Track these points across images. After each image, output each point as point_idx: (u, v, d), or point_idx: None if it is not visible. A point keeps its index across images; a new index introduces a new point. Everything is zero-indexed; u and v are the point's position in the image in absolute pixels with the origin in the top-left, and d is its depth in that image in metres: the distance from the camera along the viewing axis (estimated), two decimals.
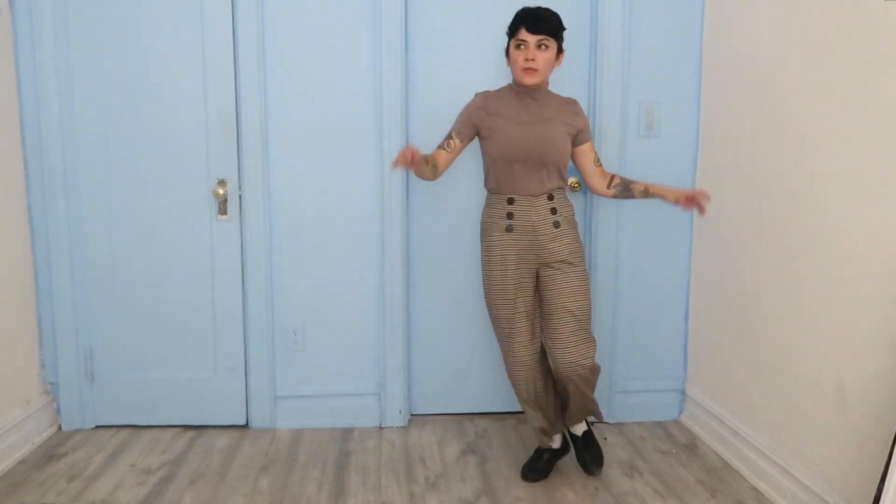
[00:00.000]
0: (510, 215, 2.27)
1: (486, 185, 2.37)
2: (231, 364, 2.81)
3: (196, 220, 2.74)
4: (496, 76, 2.78)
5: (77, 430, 2.78)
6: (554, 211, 2.27)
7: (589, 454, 2.42)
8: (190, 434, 2.77)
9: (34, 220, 2.68)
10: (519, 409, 2.97)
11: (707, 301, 2.75)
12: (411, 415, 2.94)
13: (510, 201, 2.27)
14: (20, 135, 2.63)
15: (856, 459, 1.90)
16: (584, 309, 2.27)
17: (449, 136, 2.33)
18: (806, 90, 2.11)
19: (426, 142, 2.79)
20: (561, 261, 2.26)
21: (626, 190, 2.40)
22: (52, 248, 2.67)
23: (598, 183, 2.41)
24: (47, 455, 2.56)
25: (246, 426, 2.85)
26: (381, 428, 2.86)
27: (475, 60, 2.78)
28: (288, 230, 2.77)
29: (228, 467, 2.49)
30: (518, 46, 2.21)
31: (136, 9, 2.63)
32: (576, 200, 2.87)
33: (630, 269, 2.86)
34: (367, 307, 2.83)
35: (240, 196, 2.72)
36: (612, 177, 2.41)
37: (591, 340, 2.29)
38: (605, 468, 2.48)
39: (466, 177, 2.82)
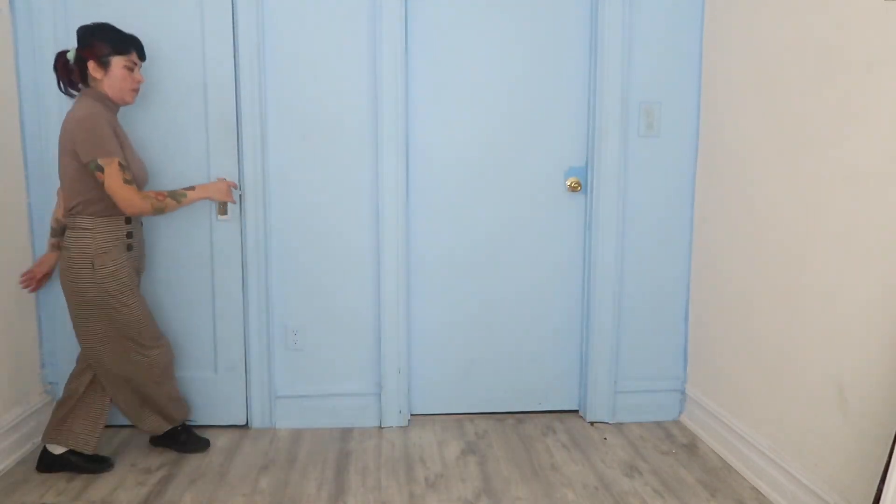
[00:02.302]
0: (129, 235, 2.39)
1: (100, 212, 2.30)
2: (231, 364, 2.81)
3: (196, 219, 2.74)
4: (497, 76, 2.79)
5: None
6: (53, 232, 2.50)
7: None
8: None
9: (34, 220, 2.68)
10: (519, 409, 2.98)
11: (707, 301, 2.75)
12: (411, 415, 2.94)
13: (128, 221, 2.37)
14: (20, 134, 2.63)
15: (856, 459, 1.90)
16: None
17: (123, 168, 2.25)
18: (806, 90, 2.11)
19: (426, 141, 2.79)
20: None
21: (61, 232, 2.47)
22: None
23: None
24: None
25: (246, 426, 2.85)
26: (380, 428, 2.86)
27: (475, 60, 2.78)
28: (287, 229, 2.77)
29: (228, 467, 2.49)
30: (129, 68, 2.32)
31: (135, 8, 2.63)
32: (576, 200, 2.87)
33: (630, 269, 2.86)
34: (366, 307, 2.83)
35: (240, 196, 2.72)
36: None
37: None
38: (605, 468, 2.48)
39: (467, 178, 2.82)
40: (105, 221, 2.28)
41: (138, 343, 2.38)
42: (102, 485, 2.35)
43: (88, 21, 2.61)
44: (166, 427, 2.56)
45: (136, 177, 2.33)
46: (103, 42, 2.29)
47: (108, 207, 2.27)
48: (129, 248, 2.35)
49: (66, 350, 2.73)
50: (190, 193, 2.43)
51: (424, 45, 2.76)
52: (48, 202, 2.65)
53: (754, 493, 2.31)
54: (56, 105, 2.61)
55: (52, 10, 2.58)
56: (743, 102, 2.47)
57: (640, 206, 2.82)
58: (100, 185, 2.23)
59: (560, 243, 2.89)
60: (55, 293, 2.70)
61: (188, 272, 2.76)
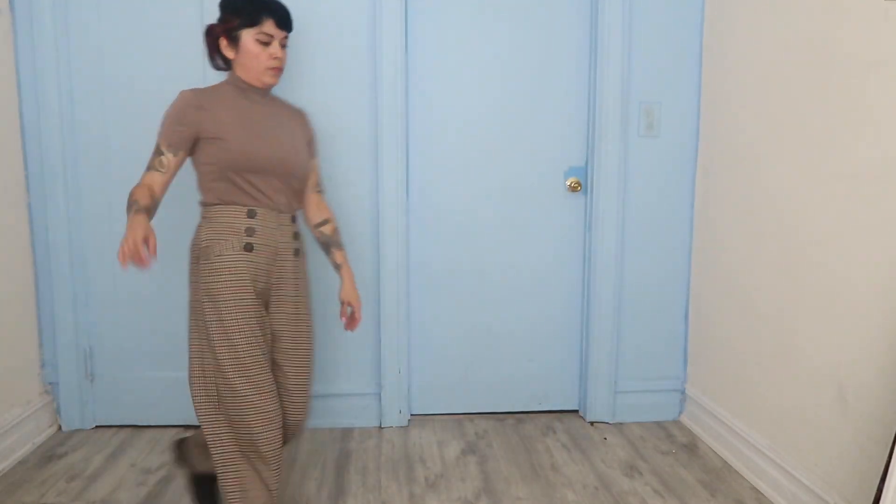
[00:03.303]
0: (250, 231, 1.84)
1: (206, 199, 1.90)
2: None
3: (196, 219, 2.73)
4: (497, 76, 2.79)
5: (77, 430, 2.78)
6: (295, 236, 1.92)
7: None
8: (190, 434, 2.76)
9: (34, 220, 2.68)
10: (519, 409, 2.98)
11: (707, 301, 2.75)
12: (411, 415, 2.94)
13: (251, 214, 1.84)
14: (20, 135, 2.63)
15: (856, 459, 1.90)
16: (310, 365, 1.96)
17: (158, 153, 1.86)
18: (806, 90, 2.11)
19: (426, 139, 2.79)
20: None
21: (325, 246, 2.09)
22: (52, 248, 2.67)
23: (311, 212, 2.06)
24: (47, 455, 2.56)
25: None
26: (380, 428, 2.86)
27: (475, 60, 2.78)
28: None
29: None
30: (261, 41, 1.84)
31: (136, 8, 2.63)
32: (576, 200, 2.87)
33: (630, 269, 2.86)
34: (366, 307, 2.83)
35: None
36: (327, 219, 2.06)
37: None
38: (605, 468, 2.48)
39: (468, 178, 2.82)
40: (214, 210, 1.88)
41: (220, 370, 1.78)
42: (102, 485, 2.35)
43: (88, 21, 2.62)
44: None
45: (224, 160, 1.82)
46: (231, 12, 1.84)
47: (218, 195, 1.87)
48: (248, 248, 1.82)
49: (67, 350, 2.73)
50: (130, 217, 1.72)
51: (424, 45, 2.76)
52: (48, 202, 2.65)
53: (754, 493, 2.31)
54: (56, 105, 2.61)
55: (51, 10, 2.57)
56: (743, 102, 2.47)
57: (640, 206, 2.82)
58: (199, 173, 1.90)
59: (560, 243, 2.89)
60: (55, 293, 2.70)
61: (187, 272, 2.75)
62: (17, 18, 2.59)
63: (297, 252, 1.92)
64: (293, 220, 1.93)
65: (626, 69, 2.73)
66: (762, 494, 2.30)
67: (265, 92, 1.93)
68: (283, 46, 1.88)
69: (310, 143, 2.03)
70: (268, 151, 1.84)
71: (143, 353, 2.79)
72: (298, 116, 2.03)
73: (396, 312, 2.80)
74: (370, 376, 2.87)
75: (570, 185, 2.84)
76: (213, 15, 2.62)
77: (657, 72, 2.77)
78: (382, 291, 2.79)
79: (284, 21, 1.87)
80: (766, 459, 2.31)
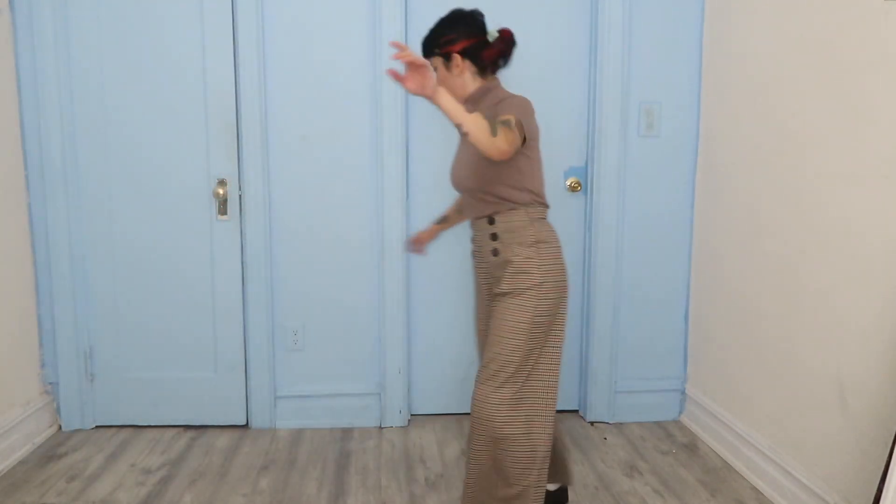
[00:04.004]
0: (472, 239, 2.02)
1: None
2: (231, 364, 2.81)
3: (196, 220, 2.74)
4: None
5: (77, 430, 2.78)
6: (494, 237, 1.94)
7: None
8: (190, 434, 2.77)
9: (34, 219, 2.68)
10: None
11: (707, 301, 2.75)
12: (411, 415, 2.94)
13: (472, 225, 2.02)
14: (20, 135, 2.63)
15: (856, 459, 1.90)
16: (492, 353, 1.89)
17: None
18: (806, 90, 2.11)
19: (426, 141, 2.79)
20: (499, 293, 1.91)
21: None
22: (52, 248, 2.67)
23: None
24: (47, 455, 2.56)
25: (246, 426, 2.85)
26: (381, 428, 2.86)
27: None
28: (288, 230, 2.77)
29: (228, 467, 2.49)
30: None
31: (135, 9, 2.63)
32: (576, 200, 2.87)
33: (630, 269, 2.86)
34: (367, 307, 2.83)
35: (240, 196, 2.72)
36: None
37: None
38: (605, 468, 2.48)
39: None
40: None
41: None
42: (102, 485, 2.35)
43: (88, 21, 2.62)
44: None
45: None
46: None
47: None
48: (472, 255, 2.03)
49: (67, 350, 2.73)
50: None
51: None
52: (48, 202, 2.65)
53: (754, 493, 2.31)
54: (56, 105, 2.61)
55: (51, 10, 2.57)
56: (743, 102, 2.47)
57: (639, 206, 2.82)
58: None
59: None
60: (55, 293, 2.70)
61: (188, 272, 2.76)
62: (17, 18, 2.59)
63: (495, 252, 1.93)
64: (490, 222, 1.94)
65: (626, 69, 2.73)
66: (762, 494, 2.30)
67: (474, 107, 1.93)
68: (434, 70, 1.95)
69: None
70: (453, 169, 2.03)
71: (143, 353, 2.79)
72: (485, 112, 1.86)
73: (397, 312, 2.80)
74: (370, 376, 2.87)
75: (570, 185, 2.84)
76: (213, 11, 2.63)
77: (657, 72, 2.77)
78: (383, 292, 2.79)
79: (423, 49, 1.99)
80: (766, 459, 2.31)
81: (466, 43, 1.93)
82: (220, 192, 2.70)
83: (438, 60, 1.95)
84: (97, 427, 2.81)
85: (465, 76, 1.95)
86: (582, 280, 2.92)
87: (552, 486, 2.17)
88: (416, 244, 2.38)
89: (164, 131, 2.69)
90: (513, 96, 1.91)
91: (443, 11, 2.74)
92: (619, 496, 2.29)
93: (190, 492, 2.31)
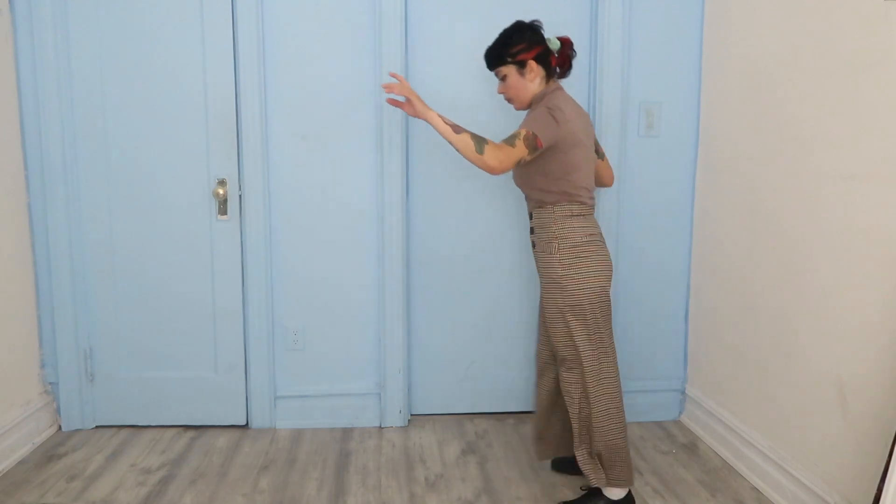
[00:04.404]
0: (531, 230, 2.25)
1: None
2: (231, 364, 2.81)
3: (196, 220, 2.74)
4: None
5: (77, 430, 2.78)
6: (532, 230, 2.21)
7: None
8: (190, 434, 2.77)
9: (34, 219, 2.68)
10: (519, 409, 2.98)
11: (707, 301, 2.75)
12: (411, 415, 2.94)
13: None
14: (20, 134, 2.63)
15: (856, 459, 1.90)
16: (554, 337, 2.16)
17: None
18: (806, 90, 2.11)
19: (427, 141, 2.79)
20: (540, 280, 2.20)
21: None
22: (52, 248, 2.68)
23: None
24: (47, 455, 2.57)
25: (246, 426, 2.85)
26: (381, 428, 2.86)
27: (474, 59, 2.77)
28: (288, 230, 2.77)
29: (228, 467, 2.49)
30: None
31: (135, 9, 2.63)
32: None
33: (630, 269, 2.86)
34: (367, 307, 2.83)
35: (240, 196, 2.72)
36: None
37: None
38: None
39: (468, 177, 2.82)
40: None
41: None
42: (102, 485, 2.35)
43: (88, 20, 2.63)
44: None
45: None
46: None
47: None
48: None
49: (67, 350, 2.73)
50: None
51: (424, 43, 2.76)
52: (48, 202, 2.65)
53: (754, 493, 2.31)
54: (56, 105, 2.61)
55: (51, 10, 2.57)
56: (743, 102, 2.47)
57: (640, 206, 2.82)
58: None
59: None
60: (55, 293, 2.70)
61: (188, 272, 2.76)
62: (17, 18, 2.59)
63: (533, 244, 2.21)
64: (530, 216, 2.22)
65: (626, 69, 2.73)
66: (762, 494, 2.30)
67: (532, 109, 2.15)
68: (502, 79, 2.20)
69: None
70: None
71: (143, 353, 2.79)
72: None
73: (397, 312, 2.80)
74: (370, 376, 2.87)
75: None
76: (213, 12, 2.63)
77: (657, 72, 2.77)
78: (382, 292, 2.79)
79: (486, 62, 2.22)
80: (767, 459, 2.31)
81: (538, 50, 2.14)
82: (220, 192, 2.70)
83: (511, 69, 2.16)
84: (97, 427, 2.81)
85: (536, 81, 2.17)
86: None
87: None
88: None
89: (164, 131, 2.69)
90: (541, 111, 2.07)
91: (442, 11, 2.75)
92: None
93: (190, 492, 2.31)
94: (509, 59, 2.15)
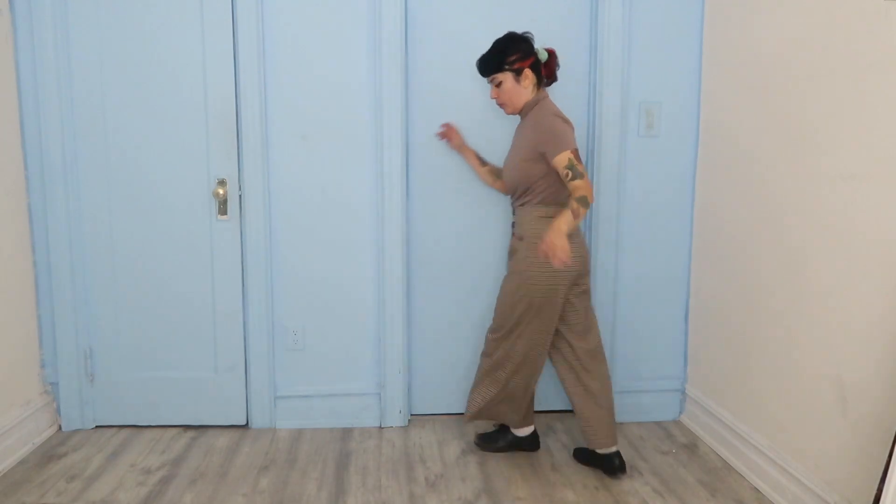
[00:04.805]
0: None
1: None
2: (231, 364, 2.81)
3: (196, 220, 2.74)
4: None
5: (77, 430, 2.78)
6: (514, 225, 2.43)
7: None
8: (190, 434, 2.77)
9: (34, 219, 2.68)
10: None
11: (707, 301, 2.75)
12: (411, 415, 2.94)
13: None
14: (20, 135, 2.63)
15: (856, 459, 1.90)
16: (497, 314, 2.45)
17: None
18: (806, 89, 2.11)
19: (427, 141, 2.79)
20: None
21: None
22: (52, 248, 2.68)
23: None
24: (47, 455, 2.57)
25: (246, 426, 2.85)
26: (381, 428, 2.86)
27: (474, 59, 2.77)
28: (288, 230, 2.77)
29: (228, 467, 2.49)
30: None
31: (135, 9, 2.63)
32: None
33: (630, 269, 2.86)
34: (367, 307, 2.83)
35: (240, 196, 2.72)
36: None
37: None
38: None
39: (468, 177, 2.82)
40: None
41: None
42: (102, 485, 2.35)
43: (88, 21, 2.63)
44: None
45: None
46: None
47: None
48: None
49: (67, 350, 2.73)
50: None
51: (424, 43, 2.76)
52: (48, 202, 2.65)
53: (754, 493, 2.31)
54: (56, 105, 2.61)
55: (51, 10, 2.57)
56: (743, 102, 2.47)
57: (640, 206, 2.82)
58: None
59: None
60: (55, 293, 2.70)
61: (188, 272, 2.76)
62: (17, 18, 2.59)
63: (520, 238, 2.37)
64: (514, 214, 2.45)
65: (626, 69, 2.73)
66: (762, 494, 2.30)
67: (524, 115, 2.40)
68: (497, 86, 2.37)
69: (536, 146, 2.28)
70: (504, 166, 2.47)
71: (143, 353, 2.79)
72: (532, 124, 2.33)
73: (397, 312, 2.80)
74: (371, 376, 2.87)
75: None
76: (213, 12, 2.64)
77: (657, 72, 2.77)
78: (383, 291, 2.79)
79: (480, 69, 2.40)
80: (767, 459, 2.31)
81: (532, 59, 2.33)
82: (220, 192, 2.70)
83: (508, 76, 2.33)
84: (97, 427, 2.81)
85: (529, 88, 2.35)
86: None
87: (526, 431, 2.59)
88: (449, 132, 2.74)
89: (164, 131, 2.69)
90: (553, 121, 2.27)
91: (442, 10, 2.75)
92: (619, 496, 2.29)
93: (190, 492, 2.31)
94: (507, 67, 2.32)
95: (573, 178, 2.19)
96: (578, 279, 2.36)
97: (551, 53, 2.38)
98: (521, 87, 2.34)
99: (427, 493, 2.32)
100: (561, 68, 2.78)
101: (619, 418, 2.90)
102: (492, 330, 2.47)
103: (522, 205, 2.37)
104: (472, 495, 2.30)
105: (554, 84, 2.78)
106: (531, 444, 2.61)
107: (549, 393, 2.97)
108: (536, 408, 2.98)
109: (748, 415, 2.45)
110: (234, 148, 2.70)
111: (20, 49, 2.60)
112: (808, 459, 2.11)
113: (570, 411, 2.98)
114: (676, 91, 2.78)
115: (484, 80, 2.78)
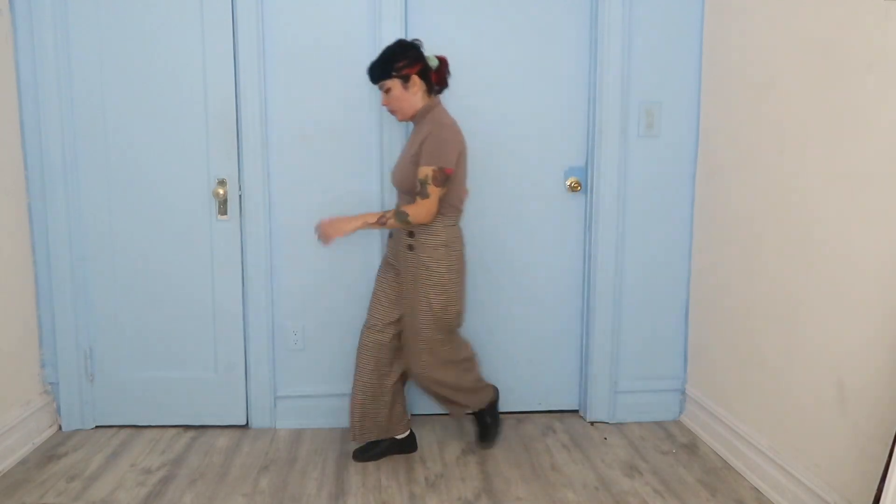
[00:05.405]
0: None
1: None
2: (231, 364, 2.81)
3: (196, 220, 2.74)
4: (497, 76, 2.79)
5: (77, 430, 2.78)
6: (409, 235, 2.35)
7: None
8: (190, 434, 2.77)
9: (34, 219, 2.68)
10: (519, 409, 2.98)
11: (707, 301, 2.75)
12: (411, 415, 2.94)
13: None
14: (20, 135, 2.63)
15: (856, 459, 1.90)
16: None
17: None
18: (806, 90, 2.11)
19: None
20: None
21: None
22: (52, 248, 2.68)
23: None
24: (47, 455, 2.57)
25: (246, 426, 2.85)
26: None
27: (474, 60, 2.78)
28: (288, 230, 2.77)
29: (228, 467, 2.49)
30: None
31: (135, 9, 2.63)
32: (576, 200, 2.87)
33: (630, 269, 2.86)
34: (366, 307, 2.82)
35: (240, 196, 2.72)
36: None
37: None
38: (605, 468, 2.48)
39: (468, 178, 2.82)
40: None
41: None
42: (102, 485, 2.35)
43: (88, 21, 2.63)
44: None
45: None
46: None
47: None
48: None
49: (67, 350, 2.73)
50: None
51: (424, 44, 2.75)
52: (48, 202, 2.65)
53: (754, 493, 2.31)
54: (56, 105, 2.61)
55: (51, 10, 2.57)
56: (743, 102, 2.47)
57: (640, 206, 2.82)
58: None
59: (560, 243, 2.89)
60: (55, 293, 2.70)
61: (188, 272, 2.76)
62: (17, 18, 2.59)
63: (410, 247, 2.34)
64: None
65: (626, 69, 2.73)
66: (762, 494, 2.30)
67: (417, 121, 2.39)
68: (386, 92, 2.36)
69: (420, 149, 2.27)
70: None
71: (144, 353, 2.79)
72: (424, 132, 2.30)
73: None
74: None
75: (570, 185, 2.84)
76: (213, 12, 2.64)
77: (657, 72, 2.77)
78: None
79: (369, 76, 2.38)
80: (766, 459, 2.31)
81: (419, 66, 2.33)
82: (220, 192, 2.70)
83: (395, 82, 2.33)
84: (97, 427, 2.81)
85: (418, 95, 2.35)
86: (582, 280, 2.92)
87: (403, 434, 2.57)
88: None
89: (164, 131, 2.69)
90: (440, 130, 2.27)
91: (441, 10, 2.75)
92: (619, 496, 2.29)
93: (190, 492, 2.31)
94: (394, 74, 2.32)
95: (418, 194, 2.24)
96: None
97: (442, 61, 2.39)
98: (410, 94, 2.34)
99: (427, 493, 2.32)
100: (561, 68, 2.80)
101: (619, 418, 2.91)
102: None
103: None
104: (472, 495, 2.30)
105: (555, 83, 2.80)
106: (410, 445, 2.60)
107: (549, 393, 2.97)
108: (536, 408, 2.99)
109: (748, 415, 2.45)
110: (234, 148, 2.70)
111: (20, 49, 2.60)
112: (808, 459, 2.11)
113: (573, 411, 2.99)
114: (676, 91, 2.78)
115: (483, 78, 2.79)
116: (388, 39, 2.65)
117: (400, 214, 2.24)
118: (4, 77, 2.54)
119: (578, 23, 2.78)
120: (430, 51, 2.75)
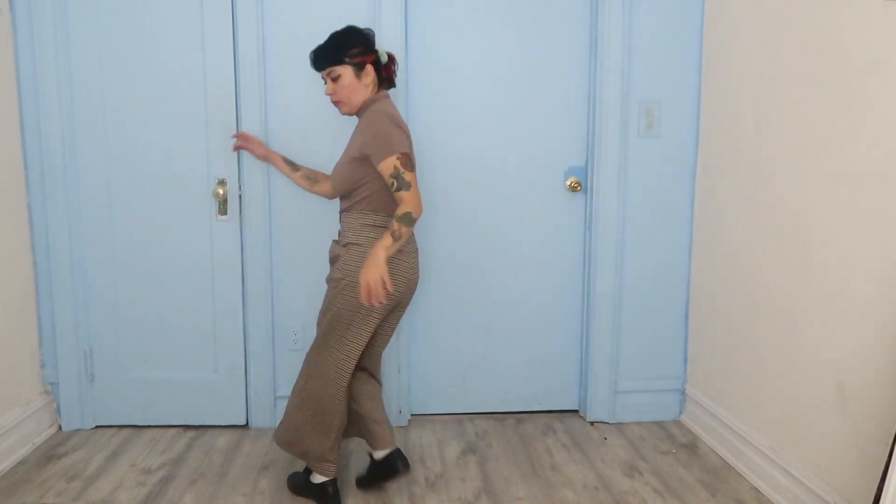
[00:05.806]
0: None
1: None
2: (231, 364, 2.81)
3: (196, 220, 2.74)
4: (497, 76, 2.79)
5: (77, 430, 2.78)
6: (341, 234, 2.21)
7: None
8: (190, 434, 2.77)
9: (34, 219, 2.68)
10: (519, 409, 2.98)
11: (707, 301, 2.75)
12: (411, 415, 2.94)
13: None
14: (20, 135, 2.63)
15: (856, 459, 1.90)
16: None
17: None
18: (806, 90, 2.11)
19: (428, 142, 2.79)
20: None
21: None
22: (52, 248, 2.68)
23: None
24: (47, 455, 2.56)
25: (246, 426, 2.85)
26: None
27: (474, 60, 2.78)
28: (288, 230, 2.77)
29: (228, 467, 2.49)
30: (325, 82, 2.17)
31: (135, 8, 2.63)
32: (576, 200, 2.87)
33: (630, 269, 2.86)
34: None
35: (240, 196, 2.72)
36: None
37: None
38: (605, 468, 2.48)
39: (468, 178, 2.82)
40: None
41: None
42: (102, 485, 2.35)
43: (88, 21, 2.63)
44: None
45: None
46: None
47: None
48: None
49: (67, 350, 2.73)
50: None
51: (424, 45, 2.76)
52: (48, 202, 2.65)
53: (754, 493, 2.31)
54: (56, 105, 2.61)
55: (51, 10, 2.57)
56: (743, 102, 2.47)
57: (639, 206, 2.82)
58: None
59: (560, 243, 2.89)
60: (55, 293, 2.70)
61: (188, 272, 2.76)
62: (17, 19, 2.59)
63: (346, 245, 2.14)
64: (340, 218, 2.23)
65: (626, 69, 2.73)
66: (762, 494, 2.30)
67: (360, 114, 2.16)
68: (334, 80, 2.13)
69: (362, 147, 2.07)
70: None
71: (143, 353, 2.79)
72: (363, 124, 2.11)
73: None
74: None
75: (570, 185, 2.84)
76: (213, 12, 2.63)
77: (657, 72, 2.77)
78: None
79: (314, 63, 2.16)
80: (766, 459, 2.31)
81: (374, 56, 2.15)
82: (220, 192, 2.70)
83: (347, 69, 2.11)
84: (97, 427, 2.81)
85: (370, 87, 2.15)
86: (582, 280, 2.92)
87: (380, 454, 2.29)
88: (247, 142, 2.58)
89: (164, 131, 2.69)
90: (382, 122, 2.04)
91: (441, 10, 2.75)
92: (619, 496, 2.29)
93: (190, 492, 2.31)
94: (347, 60, 2.11)
95: (398, 189, 1.99)
96: (398, 306, 2.20)
97: (391, 57, 2.21)
98: (362, 84, 2.12)
99: (427, 493, 2.32)
100: (561, 68, 2.80)
101: (618, 418, 2.91)
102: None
103: (348, 210, 2.16)
104: (471, 495, 2.30)
105: (555, 83, 2.80)
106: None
107: (549, 393, 2.97)
108: (536, 408, 2.98)
109: (748, 415, 2.45)
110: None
111: (20, 49, 2.60)
112: (808, 459, 2.11)
113: (573, 411, 2.99)
114: (676, 91, 2.78)
115: (483, 78, 2.79)
116: (389, 39, 2.66)
117: (402, 218, 1.99)
118: (4, 77, 2.54)
119: (578, 23, 2.78)
120: (431, 51, 2.77)
